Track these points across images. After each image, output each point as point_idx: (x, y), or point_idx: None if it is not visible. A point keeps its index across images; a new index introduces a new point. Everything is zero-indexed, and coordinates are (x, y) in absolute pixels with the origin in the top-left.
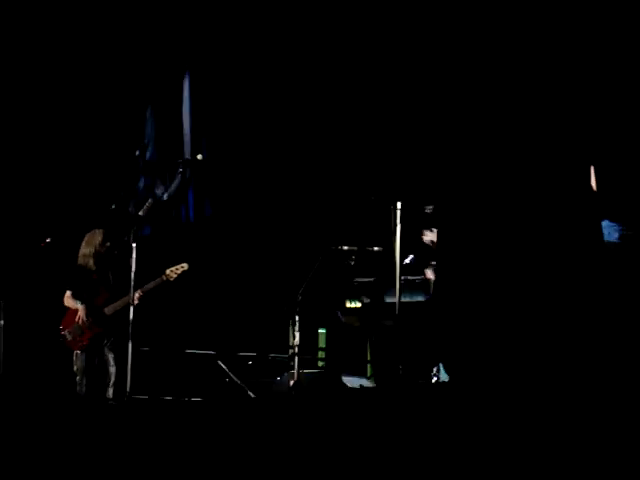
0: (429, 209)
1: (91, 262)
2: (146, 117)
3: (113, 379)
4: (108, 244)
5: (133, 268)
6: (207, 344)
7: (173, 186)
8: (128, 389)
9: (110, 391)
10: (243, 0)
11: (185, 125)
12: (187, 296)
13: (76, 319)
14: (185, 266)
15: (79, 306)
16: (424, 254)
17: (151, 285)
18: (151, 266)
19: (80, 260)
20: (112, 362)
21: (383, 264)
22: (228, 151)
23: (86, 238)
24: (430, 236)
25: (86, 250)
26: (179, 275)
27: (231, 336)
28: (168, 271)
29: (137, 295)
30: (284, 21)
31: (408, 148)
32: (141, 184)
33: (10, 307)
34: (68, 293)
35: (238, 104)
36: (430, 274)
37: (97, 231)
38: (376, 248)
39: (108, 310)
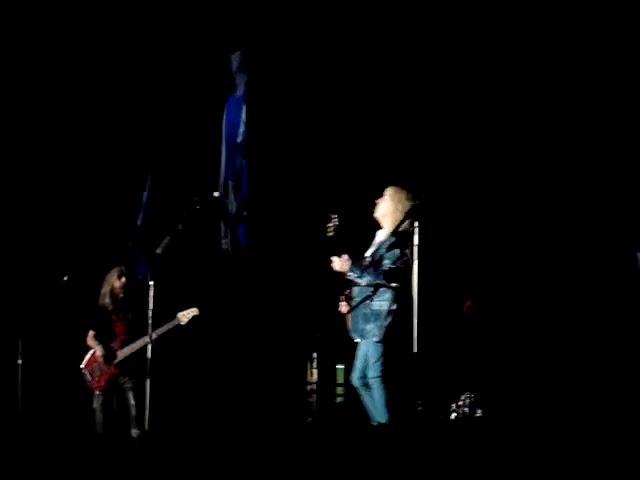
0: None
1: (108, 301)
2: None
3: (134, 413)
4: (124, 280)
5: (150, 306)
6: (226, 380)
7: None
8: (147, 426)
9: (133, 426)
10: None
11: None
12: (203, 334)
13: (95, 359)
14: (195, 311)
15: (97, 347)
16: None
17: (164, 329)
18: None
19: (99, 300)
20: (132, 400)
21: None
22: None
23: (105, 278)
24: (336, 263)
25: (104, 290)
26: (191, 319)
27: (248, 372)
28: (179, 315)
29: (152, 338)
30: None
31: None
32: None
33: (28, 346)
34: (91, 333)
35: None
36: (344, 307)
37: (113, 270)
38: (393, 284)
39: (122, 353)
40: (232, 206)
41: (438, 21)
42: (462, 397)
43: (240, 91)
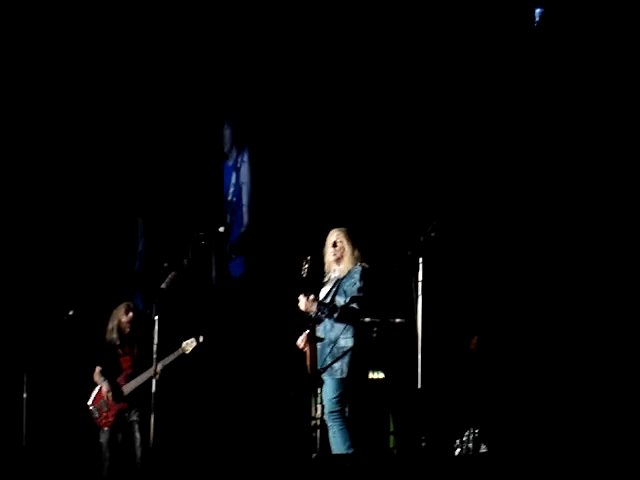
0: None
1: (115, 337)
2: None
3: (139, 445)
4: (130, 315)
5: (155, 341)
6: (229, 416)
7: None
8: (151, 459)
9: (138, 453)
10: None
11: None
12: (208, 369)
13: (101, 396)
14: (200, 338)
15: (103, 384)
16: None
17: (169, 359)
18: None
19: (106, 335)
20: (137, 433)
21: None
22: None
23: (112, 313)
24: (302, 302)
25: (111, 325)
26: (195, 348)
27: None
28: (184, 344)
29: (157, 370)
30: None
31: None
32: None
33: (33, 380)
34: (97, 369)
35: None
36: (302, 343)
37: (121, 305)
38: (398, 320)
39: (128, 387)
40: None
41: (437, 48)
42: (466, 433)
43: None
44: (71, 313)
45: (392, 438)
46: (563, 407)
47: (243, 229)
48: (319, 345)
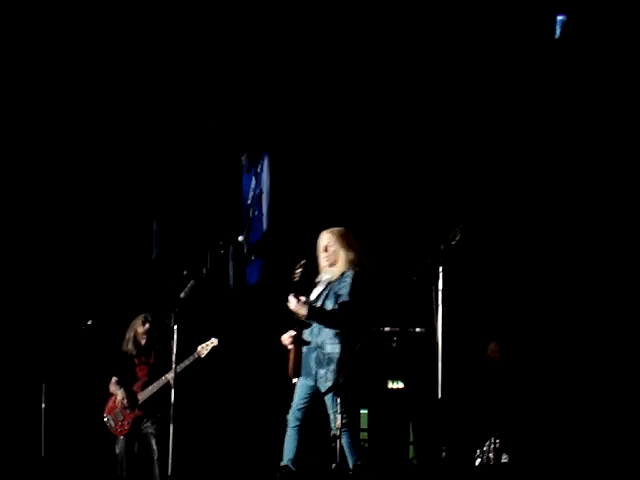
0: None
1: (131, 346)
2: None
3: (156, 457)
4: (147, 326)
5: (174, 350)
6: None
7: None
8: (170, 471)
9: (156, 468)
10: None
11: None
12: (227, 379)
13: (116, 405)
14: (215, 342)
15: (118, 392)
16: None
17: (185, 364)
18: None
19: (123, 345)
20: (154, 446)
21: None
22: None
23: (130, 323)
24: (293, 302)
25: (127, 335)
26: (210, 351)
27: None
28: (199, 348)
29: (171, 376)
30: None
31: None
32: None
33: (52, 390)
34: (114, 379)
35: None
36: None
37: (139, 316)
38: (418, 329)
39: (143, 395)
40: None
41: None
42: (487, 443)
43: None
44: (89, 323)
45: (412, 448)
46: (584, 415)
47: (262, 235)
48: (305, 349)
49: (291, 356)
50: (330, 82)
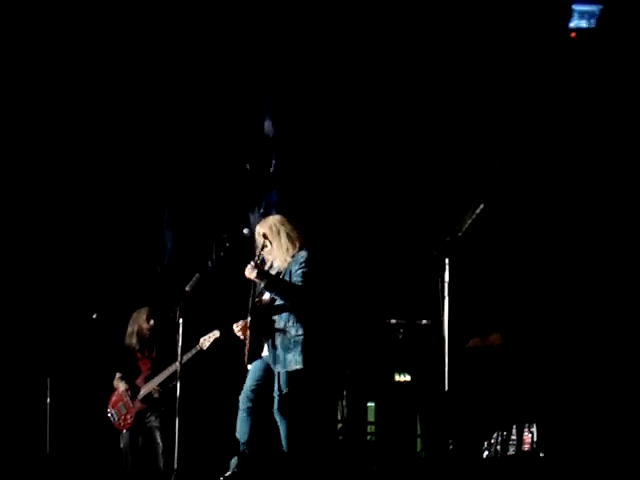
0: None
1: (135, 341)
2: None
3: (161, 452)
4: (152, 322)
5: (180, 344)
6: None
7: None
8: (176, 465)
9: (161, 461)
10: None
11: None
12: (231, 370)
13: (119, 399)
14: (217, 333)
15: (120, 385)
16: None
17: (188, 356)
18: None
19: (126, 339)
20: (159, 439)
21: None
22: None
23: (132, 316)
24: (254, 273)
25: (130, 329)
26: (212, 343)
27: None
28: (201, 340)
29: (174, 369)
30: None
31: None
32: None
33: (57, 385)
34: (117, 375)
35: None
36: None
37: (142, 309)
38: (424, 321)
39: (146, 387)
40: None
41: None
42: (494, 435)
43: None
44: (95, 316)
45: (419, 441)
46: (592, 400)
47: None
48: (265, 336)
49: (247, 343)
50: (343, 84)
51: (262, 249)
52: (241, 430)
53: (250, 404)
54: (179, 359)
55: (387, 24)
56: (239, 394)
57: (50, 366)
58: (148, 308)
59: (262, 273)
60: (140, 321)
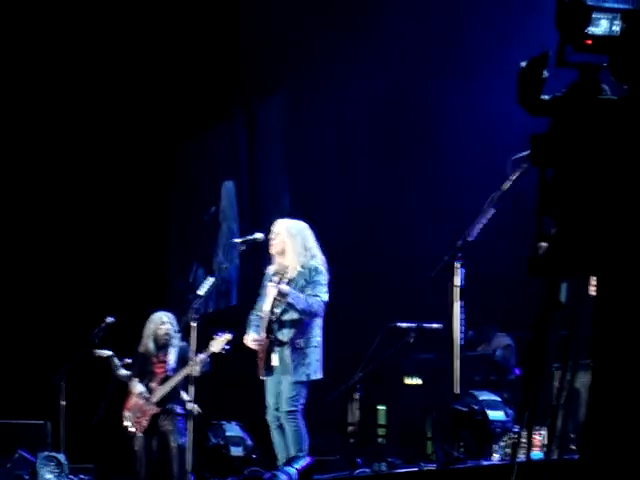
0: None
1: (151, 345)
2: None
3: (175, 454)
4: (169, 327)
5: (193, 347)
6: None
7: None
8: (190, 467)
9: (174, 465)
10: None
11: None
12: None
13: (134, 402)
14: (229, 336)
15: (135, 386)
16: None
17: (199, 359)
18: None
19: (142, 342)
20: (173, 442)
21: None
22: None
23: (149, 320)
24: (280, 288)
25: (147, 333)
26: (225, 346)
27: None
28: (212, 343)
29: (188, 371)
30: None
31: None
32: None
33: (71, 387)
34: (134, 378)
35: None
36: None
37: (158, 313)
38: (435, 325)
39: (161, 390)
40: None
41: None
42: (504, 438)
43: None
44: (109, 320)
45: (429, 444)
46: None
47: None
48: (277, 348)
49: (261, 355)
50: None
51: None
52: (279, 448)
53: (279, 422)
54: (190, 362)
55: None
56: (252, 395)
57: (65, 370)
58: (164, 313)
59: (284, 290)
60: (156, 327)
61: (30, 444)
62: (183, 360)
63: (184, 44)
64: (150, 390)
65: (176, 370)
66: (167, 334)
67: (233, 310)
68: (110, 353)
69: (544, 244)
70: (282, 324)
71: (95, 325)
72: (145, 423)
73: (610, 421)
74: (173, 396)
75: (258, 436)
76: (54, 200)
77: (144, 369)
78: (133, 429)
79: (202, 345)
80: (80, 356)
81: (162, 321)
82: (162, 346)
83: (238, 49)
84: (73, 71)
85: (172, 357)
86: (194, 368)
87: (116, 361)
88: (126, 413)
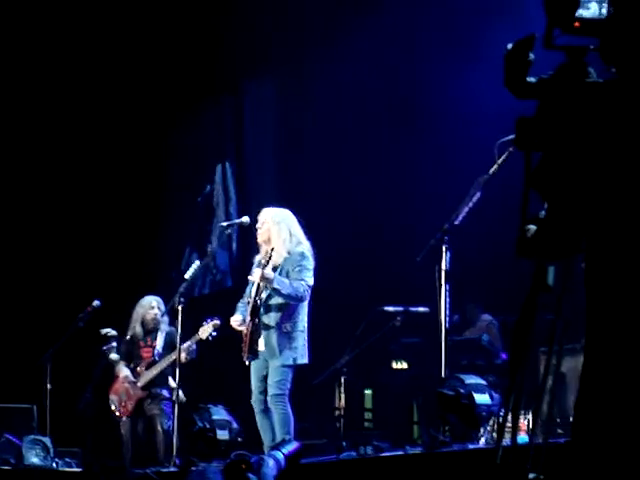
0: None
1: (138, 329)
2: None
3: (161, 439)
4: (157, 312)
5: (179, 331)
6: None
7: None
8: (175, 452)
9: (161, 449)
10: None
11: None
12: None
13: (121, 386)
14: (217, 322)
15: (122, 370)
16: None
17: (187, 345)
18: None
19: (130, 326)
20: (159, 427)
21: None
22: None
23: (137, 304)
24: (263, 272)
25: (135, 316)
26: (212, 332)
27: None
28: (200, 330)
29: (175, 357)
30: None
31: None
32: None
33: (57, 371)
34: (120, 362)
35: None
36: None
37: (147, 297)
38: (421, 309)
39: (147, 374)
40: None
41: None
42: (490, 422)
43: None
44: (96, 304)
45: (416, 428)
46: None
47: None
48: (263, 332)
49: (246, 339)
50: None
51: (264, 244)
52: (264, 432)
53: (263, 405)
54: (177, 346)
55: None
56: (240, 382)
57: (50, 352)
58: (153, 298)
59: (267, 275)
60: (144, 311)
61: (16, 428)
62: (171, 345)
63: (172, 28)
64: (136, 374)
65: (163, 355)
66: (155, 319)
67: (227, 294)
68: (114, 333)
69: (533, 226)
70: (268, 308)
71: (81, 309)
72: (131, 407)
73: (602, 402)
74: (160, 381)
75: (244, 420)
76: (44, 183)
77: (131, 353)
78: (118, 413)
79: (190, 329)
80: (66, 339)
81: (151, 306)
82: (150, 330)
83: (226, 32)
84: (66, 54)
85: (159, 342)
86: (180, 355)
87: (114, 344)
88: (112, 397)
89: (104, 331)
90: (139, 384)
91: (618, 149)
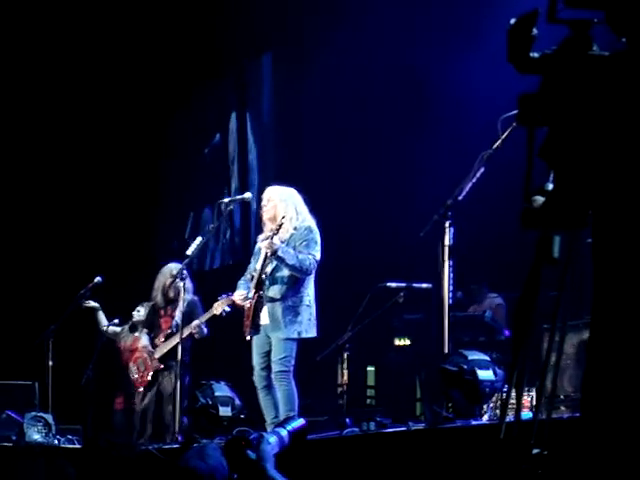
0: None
1: (159, 298)
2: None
3: (169, 411)
4: (178, 281)
5: (181, 307)
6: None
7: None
8: (177, 428)
9: (169, 421)
10: None
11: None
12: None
13: (140, 355)
14: (231, 299)
15: (142, 341)
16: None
17: (201, 320)
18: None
19: (152, 295)
20: (168, 400)
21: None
22: None
23: (160, 271)
24: (271, 240)
25: (156, 285)
26: (226, 307)
27: None
28: (215, 305)
29: (189, 332)
30: None
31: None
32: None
33: (59, 348)
34: (143, 328)
35: None
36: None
37: (169, 265)
38: (424, 285)
39: (164, 345)
40: None
41: None
42: (494, 399)
43: None
44: (97, 280)
45: (419, 404)
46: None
47: None
48: (268, 305)
49: (248, 313)
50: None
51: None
52: (266, 409)
53: (265, 382)
54: (179, 322)
55: None
56: (241, 357)
57: (52, 329)
58: (174, 266)
59: (274, 243)
60: (165, 279)
61: (17, 404)
62: (190, 315)
63: (172, 11)
64: (154, 345)
65: (180, 327)
66: (176, 287)
67: (228, 270)
68: (97, 305)
69: (540, 197)
70: (274, 281)
71: (83, 285)
72: (147, 378)
73: (610, 379)
74: (176, 354)
75: (247, 396)
76: (42, 160)
77: (152, 322)
78: (137, 383)
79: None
80: (67, 315)
81: (172, 274)
82: (171, 300)
83: (227, 12)
84: (63, 44)
85: (178, 312)
86: (191, 326)
87: (101, 315)
88: (131, 366)
89: (85, 304)
90: (156, 355)
91: (625, 123)
